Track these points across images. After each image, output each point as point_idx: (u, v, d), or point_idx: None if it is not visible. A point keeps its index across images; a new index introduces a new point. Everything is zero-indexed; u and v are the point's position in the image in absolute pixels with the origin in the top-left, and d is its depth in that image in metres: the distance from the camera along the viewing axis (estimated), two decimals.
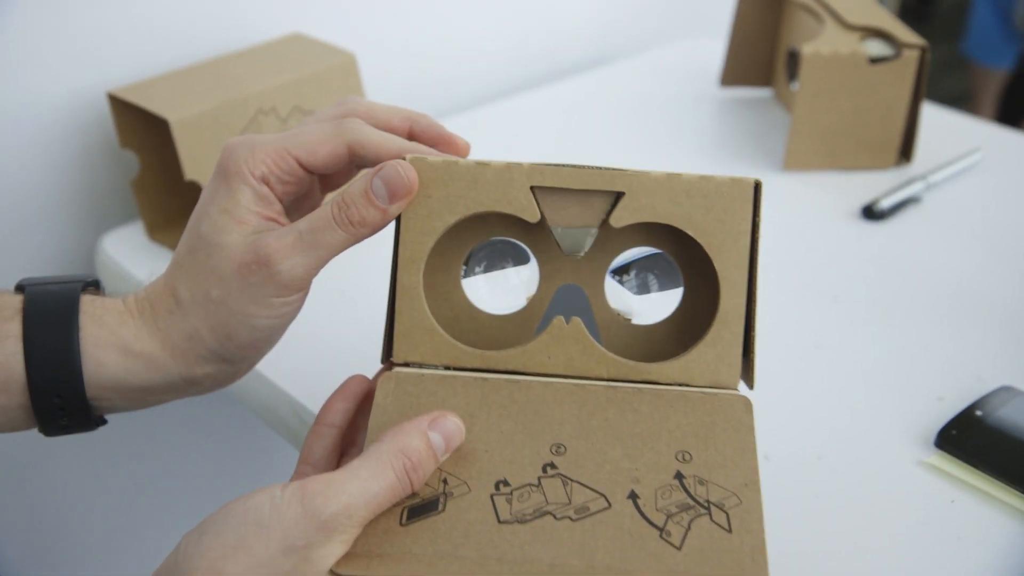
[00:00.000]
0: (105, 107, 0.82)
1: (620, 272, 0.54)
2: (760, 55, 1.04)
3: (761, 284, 0.56)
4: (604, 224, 0.51)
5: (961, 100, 2.60)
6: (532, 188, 0.50)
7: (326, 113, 0.53)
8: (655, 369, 0.51)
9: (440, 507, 0.45)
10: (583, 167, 0.50)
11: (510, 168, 0.50)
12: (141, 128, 0.80)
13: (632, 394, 0.50)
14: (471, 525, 0.44)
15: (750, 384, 0.51)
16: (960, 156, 0.92)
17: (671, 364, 0.51)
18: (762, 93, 1.07)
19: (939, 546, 0.55)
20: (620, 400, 0.49)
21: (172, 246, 0.82)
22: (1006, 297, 0.75)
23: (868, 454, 0.61)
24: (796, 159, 0.92)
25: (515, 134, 1.00)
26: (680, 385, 0.50)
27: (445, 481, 0.46)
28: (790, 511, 0.55)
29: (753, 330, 0.50)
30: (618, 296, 0.54)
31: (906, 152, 0.93)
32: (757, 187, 0.50)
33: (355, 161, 0.51)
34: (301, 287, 0.50)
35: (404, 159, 0.50)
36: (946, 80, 2.82)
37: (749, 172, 0.92)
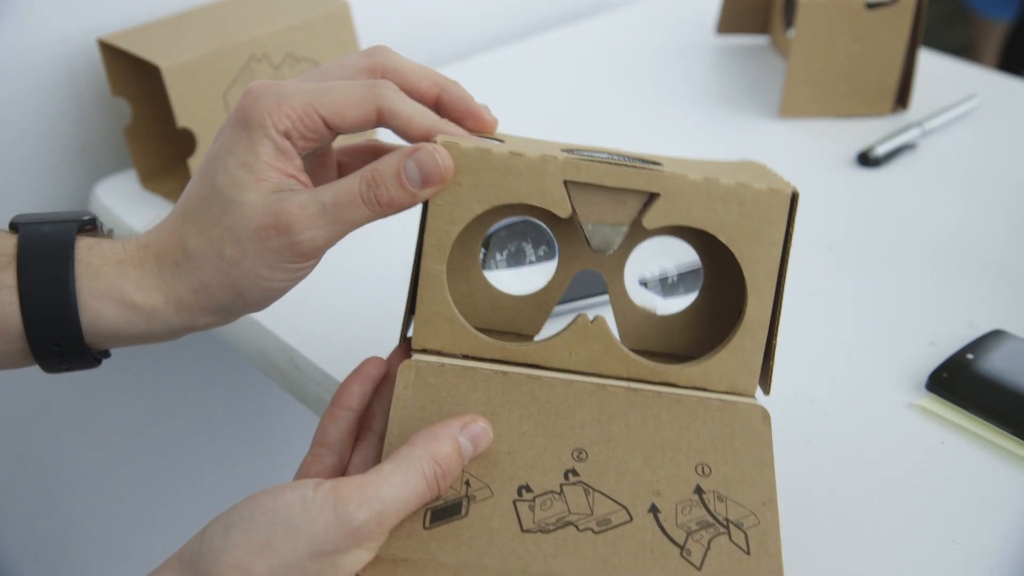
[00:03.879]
0: (96, 54, 0.81)
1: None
2: (757, 2, 1.03)
3: None
4: (635, 223, 0.50)
5: (962, 52, 2.57)
6: (565, 182, 0.49)
7: (354, 63, 0.51)
8: (675, 371, 0.50)
9: (463, 511, 0.45)
10: (619, 163, 0.48)
11: (545, 160, 0.48)
12: (133, 75, 0.80)
13: (653, 399, 0.49)
14: (494, 533, 0.44)
15: (766, 390, 0.51)
16: (957, 103, 0.92)
17: (691, 367, 0.50)
18: (758, 40, 1.06)
19: (929, 486, 0.55)
20: (641, 404, 0.49)
21: (165, 194, 0.81)
22: (998, 243, 0.75)
23: (860, 397, 0.61)
24: (792, 106, 0.91)
25: (509, 83, 0.99)
26: (698, 389, 0.50)
27: (467, 483, 0.45)
28: (782, 454, 0.55)
29: (775, 338, 0.50)
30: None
31: (902, 99, 0.92)
32: (794, 198, 0.49)
33: (381, 125, 0.49)
34: (318, 256, 0.49)
35: (437, 143, 0.48)
36: (947, 32, 2.80)
37: (744, 119, 0.92)
